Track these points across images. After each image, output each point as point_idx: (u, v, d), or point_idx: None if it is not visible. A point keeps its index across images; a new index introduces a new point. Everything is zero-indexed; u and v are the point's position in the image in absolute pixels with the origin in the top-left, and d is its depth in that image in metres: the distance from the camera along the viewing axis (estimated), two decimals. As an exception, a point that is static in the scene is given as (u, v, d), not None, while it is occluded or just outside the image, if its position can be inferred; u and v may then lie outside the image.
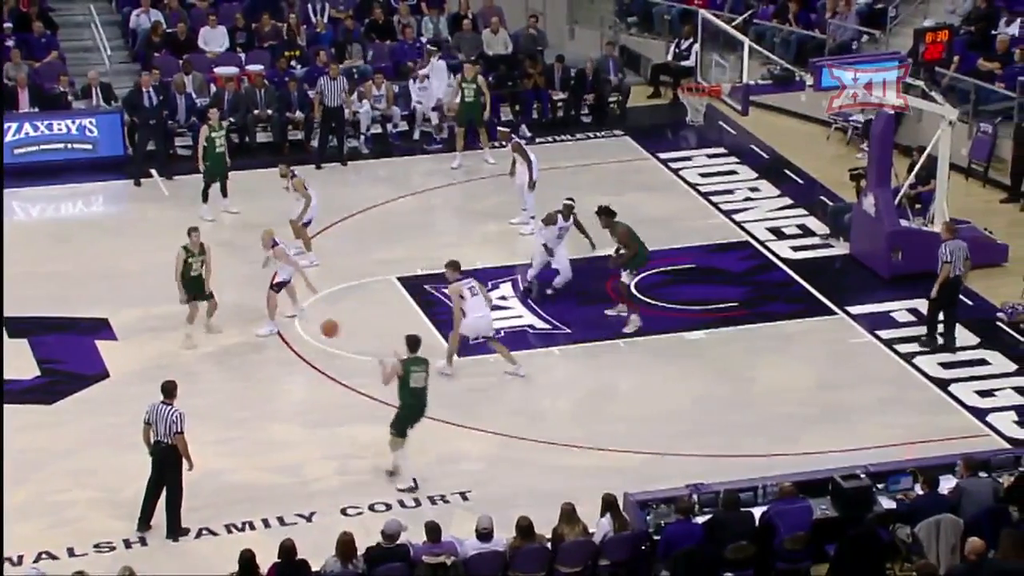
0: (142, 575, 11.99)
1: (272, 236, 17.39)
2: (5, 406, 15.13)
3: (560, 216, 18.08)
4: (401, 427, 14.52)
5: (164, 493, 13.69)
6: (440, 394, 16.11)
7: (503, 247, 19.66)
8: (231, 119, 22.48)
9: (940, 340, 17.03)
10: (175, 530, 13.68)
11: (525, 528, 12.50)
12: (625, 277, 17.49)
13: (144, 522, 13.71)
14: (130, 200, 21.72)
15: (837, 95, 18.15)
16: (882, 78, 18.08)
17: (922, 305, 17.99)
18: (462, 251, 19.43)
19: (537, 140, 23.39)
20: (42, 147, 22.14)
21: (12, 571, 13.01)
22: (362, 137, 23.00)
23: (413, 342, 14.80)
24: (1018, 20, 22.58)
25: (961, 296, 18.08)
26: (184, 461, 13.59)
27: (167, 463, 13.60)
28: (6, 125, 21.62)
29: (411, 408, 14.59)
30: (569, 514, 12.63)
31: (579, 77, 24.22)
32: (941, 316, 17.07)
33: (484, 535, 12.47)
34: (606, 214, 17.67)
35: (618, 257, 17.47)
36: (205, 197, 20.13)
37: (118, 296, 18.29)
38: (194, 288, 17.18)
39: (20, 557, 13.35)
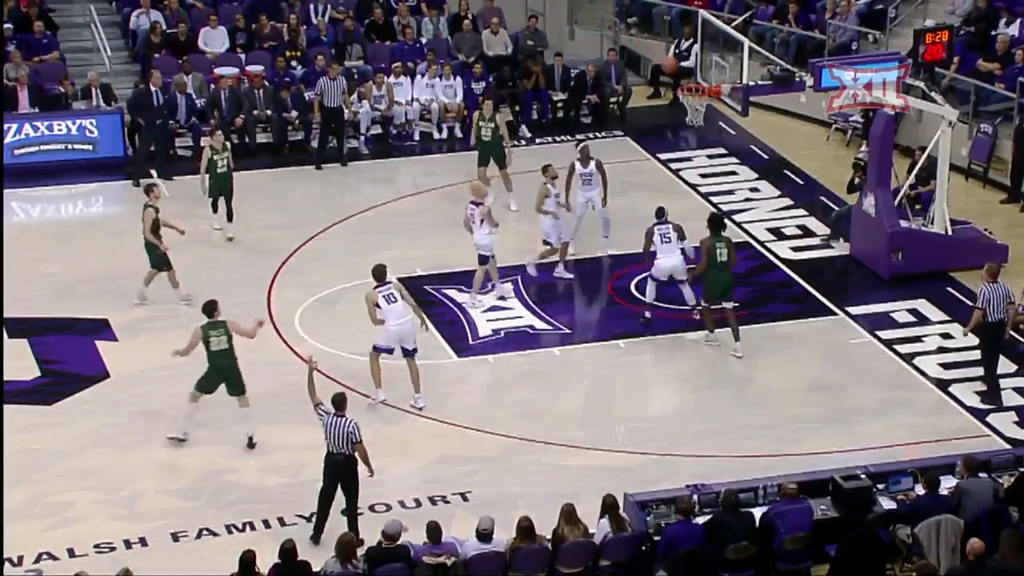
0: (143, 575, 11.99)
1: (484, 188, 18.02)
2: (6, 407, 15.15)
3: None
4: (203, 385, 15.07)
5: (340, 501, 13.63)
6: (440, 395, 16.14)
7: (502, 247, 19.62)
8: (234, 120, 22.53)
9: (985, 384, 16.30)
10: (356, 529, 13.46)
11: (526, 528, 12.49)
12: (703, 302, 17.00)
13: (319, 533, 13.54)
14: (130, 201, 21.64)
15: (837, 95, 18.13)
16: (882, 78, 18.07)
17: (923, 306, 18.02)
18: (462, 252, 19.46)
19: (537, 140, 23.41)
20: (42, 148, 22.13)
21: (12, 571, 13.00)
22: (362, 137, 23.00)
23: (209, 308, 15.18)
24: (1018, 21, 22.57)
25: (962, 298, 18.12)
26: (365, 468, 13.55)
27: (345, 473, 13.50)
28: (6, 126, 21.62)
29: (215, 370, 15.01)
30: (569, 515, 12.62)
31: (580, 79, 24.21)
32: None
33: (484, 536, 12.46)
34: (714, 223, 17.11)
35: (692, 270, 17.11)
36: (214, 208, 19.81)
37: (118, 297, 18.27)
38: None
39: (20, 558, 13.35)
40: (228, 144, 19.92)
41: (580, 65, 24.61)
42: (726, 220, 16.99)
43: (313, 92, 22.70)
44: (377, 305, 15.64)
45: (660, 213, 17.66)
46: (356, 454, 13.49)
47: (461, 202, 21.08)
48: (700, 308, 17.37)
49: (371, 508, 14.09)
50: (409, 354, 15.84)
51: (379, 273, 15.86)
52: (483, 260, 17.89)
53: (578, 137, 20.45)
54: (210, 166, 19.51)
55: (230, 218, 19.73)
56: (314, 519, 13.65)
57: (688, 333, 17.44)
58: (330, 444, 13.49)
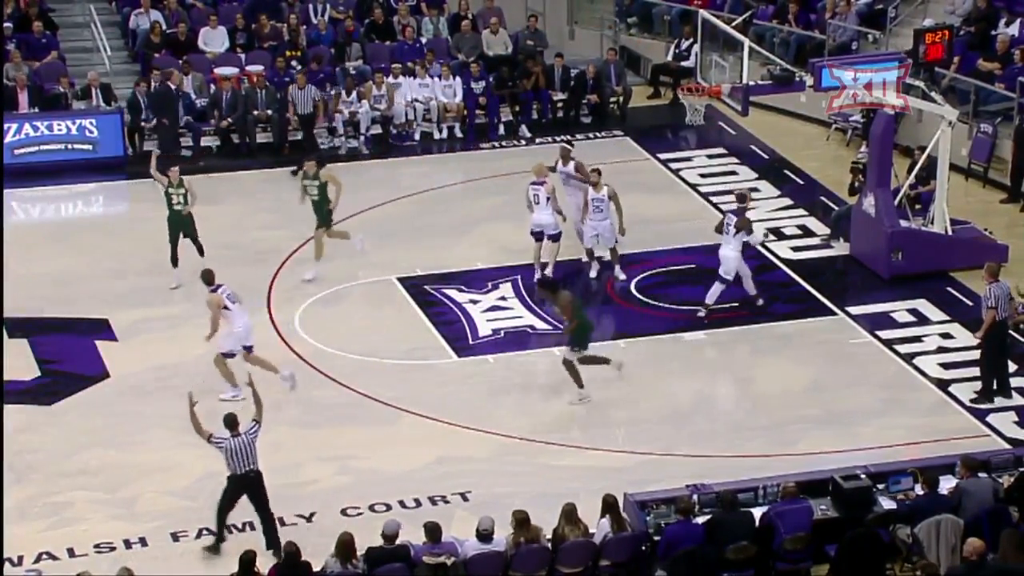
0: (142, 575, 12.00)
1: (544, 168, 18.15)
2: (6, 407, 15.16)
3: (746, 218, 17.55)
4: None
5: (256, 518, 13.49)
6: (440, 395, 16.16)
7: (501, 247, 19.63)
8: (229, 119, 22.57)
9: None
10: (277, 545, 13.26)
11: (522, 520, 12.51)
12: (568, 353, 15.99)
13: (219, 543, 13.35)
14: (129, 200, 21.75)
15: (837, 95, 18.13)
16: (882, 78, 18.07)
17: (923, 306, 18.00)
18: (462, 252, 19.50)
19: (537, 140, 23.40)
20: (42, 148, 22.13)
21: (12, 571, 13.00)
22: (362, 137, 23.00)
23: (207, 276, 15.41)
24: (1018, 21, 22.57)
25: (962, 298, 18.14)
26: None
27: (256, 490, 13.36)
28: (6, 126, 21.62)
29: None
30: (570, 514, 12.63)
31: (579, 79, 24.21)
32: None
33: (484, 536, 12.47)
34: (548, 287, 16.40)
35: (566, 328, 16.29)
36: (174, 260, 18.34)
37: (118, 297, 18.29)
38: None
39: (20, 558, 13.35)
40: (186, 181, 18.25)
41: (580, 65, 24.60)
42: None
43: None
44: (225, 307, 15.58)
45: (739, 199, 17.78)
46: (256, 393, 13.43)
47: (461, 202, 21.20)
48: (708, 310, 17.40)
49: (371, 508, 14.09)
50: (248, 350, 15.82)
51: (209, 277, 15.68)
52: (538, 237, 18.22)
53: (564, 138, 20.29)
54: (166, 199, 18.20)
55: (201, 252, 18.24)
56: (216, 531, 13.47)
57: (686, 333, 17.43)
58: (235, 467, 13.20)
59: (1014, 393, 16.13)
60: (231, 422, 13.28)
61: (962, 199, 20.32)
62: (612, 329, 17.69)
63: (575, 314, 15.97)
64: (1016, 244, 19.07)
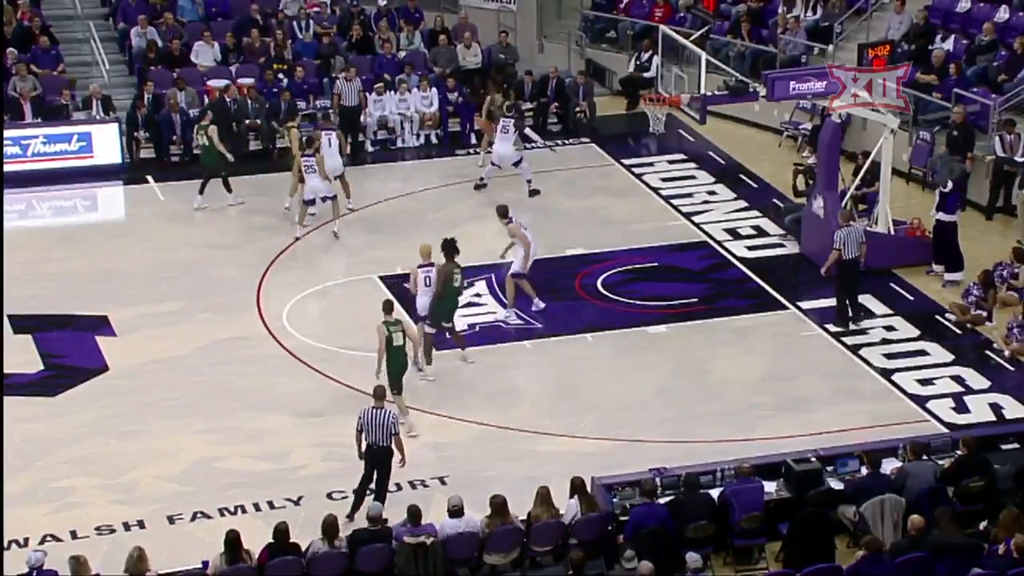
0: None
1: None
2: (12, 398, 15.07)
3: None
4: (398, 383, 15.11)
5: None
6: (420, 386, 16.12)
7: (476, 247, 19.59)
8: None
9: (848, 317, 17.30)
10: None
11: (499, 505, 12.52)
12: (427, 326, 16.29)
13: (355, 510, 13.45)
14: (127, 204, 21.62)
15: (837, 95, 18.14)
16: (882, 78, 18.08)
17: (867, 300, 17.99)
18: (438, 251, 19.42)
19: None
20: (44, 155, 21.94)
21: (18, 552, 12.91)
22: (368, 141, 23.00)
23: (387, 306, 15.43)
24: (952, 37, 22.68)
25: (904, 292, 18.22)
26: (397, 456, 13.57)
27: (383, 462, 13.48)
28: (9, 135, 21.42)
29: (401, 363, 15.13)
30: (544, 497, 12.65)
31: (542, 83, 24.09)
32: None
33: (455, 512, 12.49)
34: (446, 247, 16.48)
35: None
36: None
37: (117, 295, 18.19)
38: None
39: (26, 539, 13.29)
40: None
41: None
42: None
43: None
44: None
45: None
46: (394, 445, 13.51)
47: (439, 206, 21.13)
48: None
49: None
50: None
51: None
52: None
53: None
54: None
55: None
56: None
57: (649, 327, 17.45)
58: (369, 436, 13.45)
59: (951, 381, 16.25)
60: (378, 394, 13.62)
61: (903, 201, 20.40)
62: (579, 323, 17.67)
63: (445, 285, 16.07)
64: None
